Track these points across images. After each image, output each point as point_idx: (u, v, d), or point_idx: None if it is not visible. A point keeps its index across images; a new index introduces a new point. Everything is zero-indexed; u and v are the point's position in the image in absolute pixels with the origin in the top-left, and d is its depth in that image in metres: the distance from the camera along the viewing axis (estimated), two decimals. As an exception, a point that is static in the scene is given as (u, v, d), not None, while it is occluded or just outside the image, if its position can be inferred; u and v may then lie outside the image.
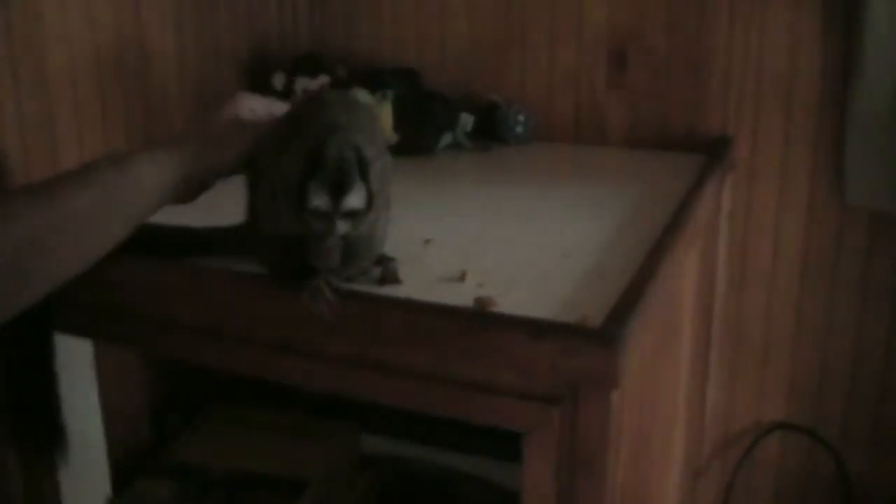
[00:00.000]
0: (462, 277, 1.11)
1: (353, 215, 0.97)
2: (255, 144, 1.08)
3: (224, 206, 1.13)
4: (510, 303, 1.03)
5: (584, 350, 0.91)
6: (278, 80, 1.75)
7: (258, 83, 1.80)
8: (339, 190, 0.96)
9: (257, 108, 1.10)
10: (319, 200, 0.96)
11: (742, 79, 1.65)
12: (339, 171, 0.96)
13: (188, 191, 1.07)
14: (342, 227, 0.97)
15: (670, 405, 1.43)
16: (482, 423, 1.00)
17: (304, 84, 1.71)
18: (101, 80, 1.49)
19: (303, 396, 1.10)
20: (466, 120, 1.75)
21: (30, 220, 0.94)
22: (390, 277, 1.11)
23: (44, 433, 1.18)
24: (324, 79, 1.74)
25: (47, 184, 0.98)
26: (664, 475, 1.47)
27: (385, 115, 1.68)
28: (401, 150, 1.69)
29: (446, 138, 1.74)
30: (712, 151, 1.62)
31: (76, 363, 1.37)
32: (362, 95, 1.66)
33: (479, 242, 1.25)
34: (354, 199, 0.97)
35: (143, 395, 1.68)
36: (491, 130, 1.78)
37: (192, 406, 1.76)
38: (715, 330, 1.74)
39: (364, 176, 0.97)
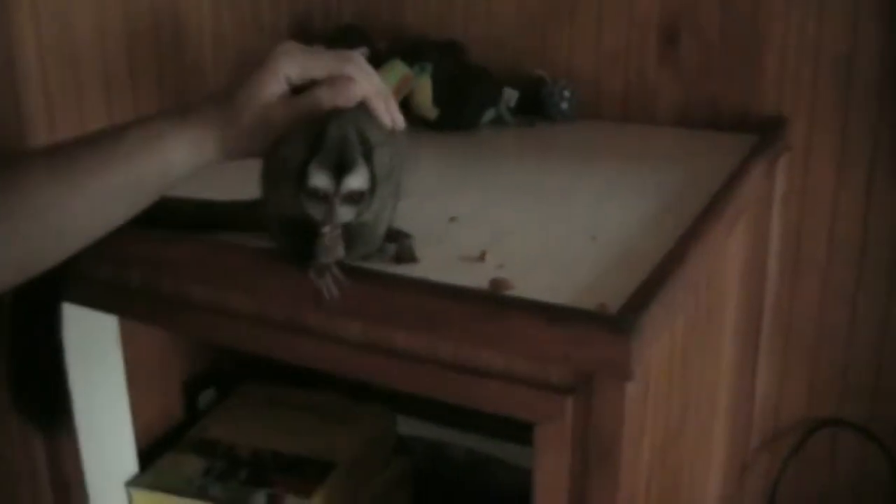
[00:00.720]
0: (481, 257, 1.06)
1: (354, 200, 0.93)
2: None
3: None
4: (528, 286, 0.98)
5: (597, 338, 0.86)
6: (318, 53, 1.70)
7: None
8: (340, 170, 0.92)
9: (293, 73, 1.00)
10: (320, 180, 0.92)
11: (798, 57, 1.56)
12: (341, 151, 0.92)
13: (214, 164, 1.02)
14: (343, 213, 0.93)
15: (709, 397, 1.36)
16: (493, 411, 0.95)
17: (342, 56, 1.67)
18: (131, 50, 1.46)
19: (341, 377, 1.07)
20: (510, 95, 1.69)
21: (51, 194, 0.93)
22: (406, 255, 1.06)
23: (46, 402, 1.15)
24: (363, 51, 1.70)
25: (75, 150, 0.96)
26: (702, 469, 1.41)
27: (423, 88, 1.63)
28: (441, 125, 1.66)
29: (489, 114, 1.68)
30: (765, 132, 1.54)
31: (101, 336, 1.35)
32: (399, 68, 1.62)
33: (507, 222, 1.20)
34: (356, 180, 0.93)
35: (175, 369, 1.67)
36: (536, 107, 1.72)
37: (228, 382, 1.74)
38: (765, 320, 1.67)
39: (367, 157, 0.93)
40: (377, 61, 1.70)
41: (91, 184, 0.94)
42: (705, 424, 1.38)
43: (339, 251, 0.95)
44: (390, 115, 1.03)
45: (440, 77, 1.65)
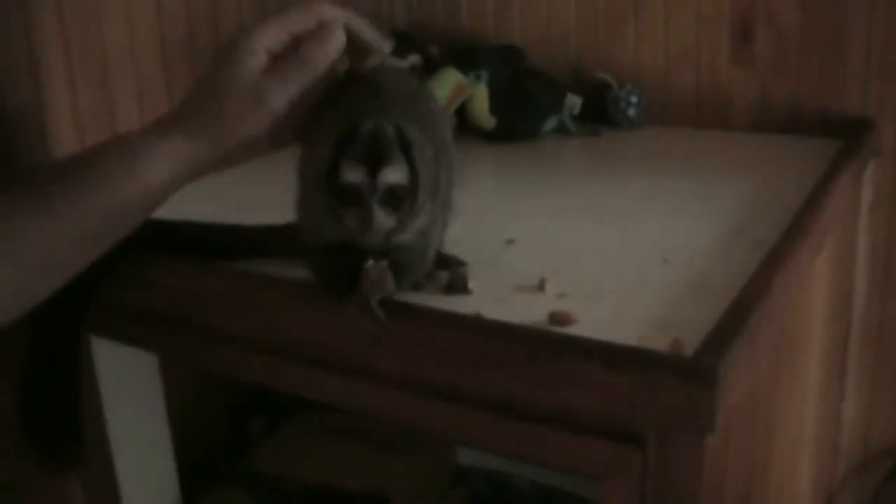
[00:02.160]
0: (541, 286, 0.96)
1: (394, 200, 0.83)
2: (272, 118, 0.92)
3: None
4: (592, 319, 0.88)
5: (670, 385, 0.75)
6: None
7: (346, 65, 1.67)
8: (374, 162, 0.82)
9: (270, 41, 0.90)
10: (352, 174, 0.82)
11: (886, 51, 1.44)
12: (375, 143, 0.83)
13: (207, 172, 0.94)
14: (383, 219, 0.83)
15: (794, 430, 1.25)
16: (550, 462, 0.85)
17: (394, 65, 1.58)
18: (166, 64, 1.39)
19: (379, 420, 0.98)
20: (573, 102, 1.59)
21: (25, 227, 0.85)
22: (458, 285, 0.97)
23: (59, 440, 1.08)
24: (414, 58, 1.61)
25: (39, 177, 0.89)
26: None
27: (479, 97, 1.54)
28: (499, 135, 1.57)
29: (550, 122, 1.59)
30: (850, 136, 1.42)
31: (139, 364, 1.28)
32: (452, 76, 1.52)
33: (570, 244, 1.10)
34: (393, 173, 0.83)
35: (224, 397, 1.60)
36: (601, 113, 1.62)
37: (280, 410, 1.67)
38: (853, 341, 1.54)
39: (406, 152, 0.84)
40: (430, 69, 1.61)
41: (68, 212, 0.86)
42: (791, 459, 1.26)
43: (389, 284, 0.86)
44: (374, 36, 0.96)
45: (497, 84, 1.56)
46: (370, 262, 0.86)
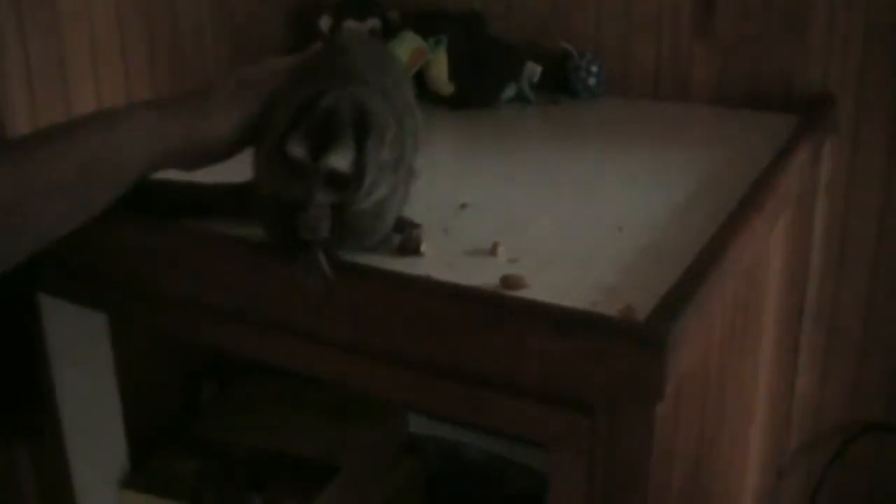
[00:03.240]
0: (493, 251, 0.95)
1: (337, 183, 0.82)
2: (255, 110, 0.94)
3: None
4: (544, 284, 0.87)
5: (621, 351, 0.74)
6: (324, 23, 1.60)
7: (304, 26, 1.65)
8: (321, 142, 0.81)
9: (264, 67, 0.98)
10: (296, 149, 0.81)
11: (847, 27, 1.43)
12: (328, 123, 0.81)
13: (185, 160, 0.95)
14: (323, 194, 0.82)
15: (746, 402, 1.25)
16: (499, 427, 0.84)
17: (351, 27, 1.57)
18: (120, 17, 1.35)
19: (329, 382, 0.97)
20: (533, 70, 1.57)
21: (4, 184, 0.84)
22: (410, 247, 0.95)
23: (15, 401, 1.06)
24: (373, 22, 1.59)
25: (28, 143, 0.89)
26: (737, 476, 1.30)
27: (438, 62, 1.52)
28: (457, 102, 1.55)
29: (509, 90, 1.57)
30: (810, 111, 1.41)
31: (88, 327, 1.26)
32: (411, 40, 1.50)
33: (524, 210, 1.08)
34: (337, 159, 0.81)
35: (176, 361, 1.57)
36: (561, 82, 1.60)
37: (231, 376, 1.65)
38: (807, 318, 1.54)
39: (360, 139, 0.82)
40: (389, 33, 1.59)
41: (44, 178, 0.86)
42: (742, 431, 1.26)
43: (323, 230, 0.83)
44: None
45: (457, 50, 1.54)
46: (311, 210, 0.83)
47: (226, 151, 0.95)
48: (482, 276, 0.88)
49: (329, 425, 1.51)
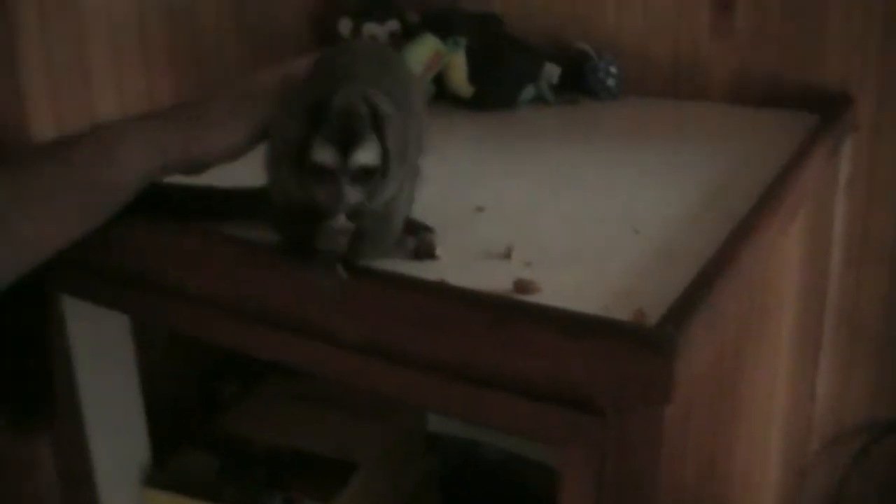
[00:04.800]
0: (508, 254, 0.95)
1: (364, 178, 0.83)
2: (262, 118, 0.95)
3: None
4: (557, 287, 0.87)
5: (628, 354, 0.74)
6: (344, 26, 1.61)
7: (324, 29, 1.66)
8: (346, 143, 0.82)
9: (269, 74, 0.98)
10: (324, 155, 0.82)
11: (866, 25, 1.42)
12: (347, 122, 0.82)
13: (184, 170, 0.97)
14: (352, 194, 0.83)
15: (763, 404, 1.25)
16: (510, 430, 0.85)
17: (371, 30, 1.57)
18: (142, 23, 1.36)
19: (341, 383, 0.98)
20: (551, 71, 1.57)
21: (14, 215, 0.87)
22: (425, 251, 0.96)
23: (26, 400, 1.08)
24: (393, 24, 1.60)
25: (26, 157, 0.91)
26: (757, 477, 1.30)
27: (457, 64, 1.52)
28: (476, 103, 1.55)
29: (528, 91, 1.57)
30: (829, 110, 1.41)
31: (110, 326, 1.27)
32: (430, 42, 1.51)
33: (541, 213, 1.09)
34: (365, 154, 0.82)
35: (195, 359, 1.59)
36: (579, 83, 1.60)
37: (251, 374, 1.66)
38: (827, 316, 1.54)
39: (378, 130, 0.83)
40: (408, 35, 1.59)
41: (46, 194, 0.88)
42: (760, 432, 1.26)
43: (342, 241, 0.85)
44: None
45: (475, 52, 1.54)
46: (331, 222, 0.85)
47: (228, 160, 0.96)
48: (496, 279, 0.88)
49: (348, 423, 1.52)
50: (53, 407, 1.11)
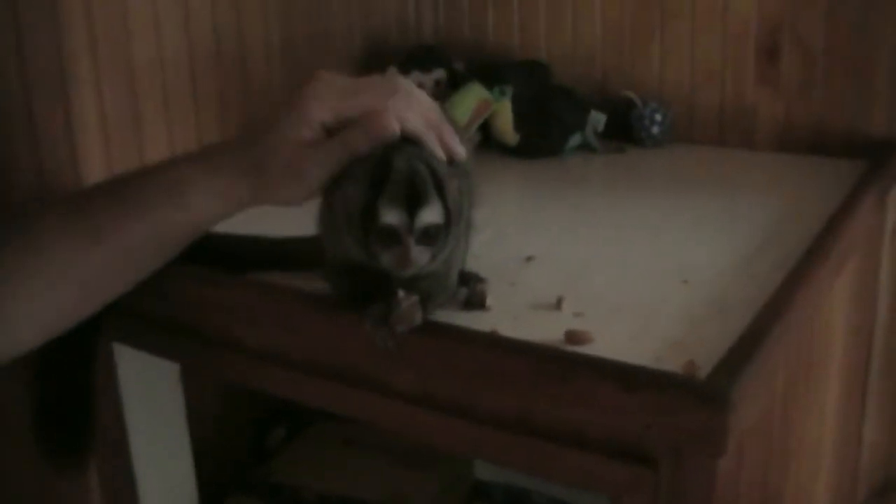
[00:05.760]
0: (558, 304, 0.96)
1: (430, 238, 0.84)
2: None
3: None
4: (608, 338, 0.88)
5: (683, 407, 0.75)
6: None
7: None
8: (412, 204, 0.83)
9: (326, 118, 0.91)
10: (392, 217, 0.83)
11: (912, 72, 1.42)
12: (411, 183, 0.84)
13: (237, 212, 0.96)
14: (419, 255, 0.84)
15: (811, 452, 1.24)
16: (563, 482, 0.85)
17: (417, 78, 1.59)
18: (194, 74, 1.39)
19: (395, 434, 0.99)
20: (597, 119, 1.58)
21: (70, 251, 0.89)
22: (476, 301, 0.97)
23: (67, 441, 1.09)
24: (439, 73, 1.62)
25: (91, 205, 0.92)
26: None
27: (503, 112, 1.54)
28: (523, 151, 1.56)
29: (574, 139, 1.58)
30: (875, 157, 1.40)
31: (160, 373, 1.28)
32: (477, 91, 1.52)
33: (589, 262, 1.10)
34: (430, 214, 0.84)
35: (244, 407, 1.60)
36: (625, 131, 1.61)
37: (300, 421, 1.67)
38: (874, 365, 1.52)
39: (439, 189, 0.84)
40: (455, 84, 1.61)
41: (113, 238, 0.89)
42: (808, 482, 1.25)
43: (418, 317, 0.87)
44: (447, 147, 0.91)
45: (522, 100, 1.55)
46: (401, 294, 0.86)
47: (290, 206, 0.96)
48: (547, 330, 0.89)
49: (397, 470, 1.53)
50: (90, 447, 1.12)
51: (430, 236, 0.84)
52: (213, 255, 1.05)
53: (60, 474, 1.14)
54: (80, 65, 1.25)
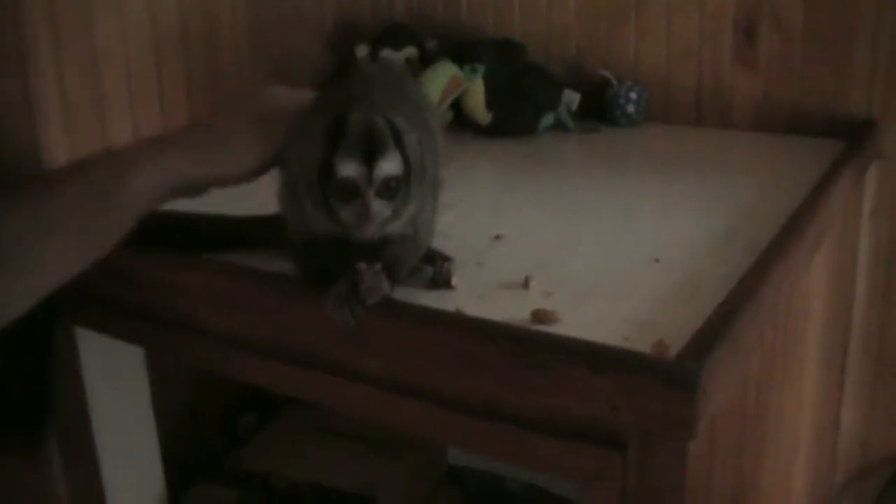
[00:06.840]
0: (526, 284, 0.94)
1: (388, 192, 0.82)
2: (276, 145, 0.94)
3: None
4: (576, 318, 0.86)
5: (651, 389, 0.72)
6: (361, 52, 1.61)
7: (342, 55, 1.65)
8: (369, 155, 0.81)
9: (282, 99, 0.95)
10: (348, 168, 0.81)
11: (891, 55, 1.40)
12: (368, 136, 0.82)
13: (189, 193, 0.94)
14: (379, 209, 0.82)
15: (788, 436, 1.22)
16: (530, 466, 0.83)
17: (388, 56, 1.56)
18: (157, 51, 1.36)
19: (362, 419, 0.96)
20: (571, 98, 1.56)
21: (14, 220, 0.86)
22: (442, 281, 0.94)
23: (24, 425, 1.06)
24: (410, 51, 1.59)
25: (41, 182, 0.91)
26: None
27: (475, 91, 1.51)
28: (495, 130, 1.54)
29: (548, 118, 1.55)
30: (853, 137, 1.38)
31: (124, 358, 1.26)
32: (447, 69, 1.49)
33: (560, 242, 1.07)
34: (389, 165, 0.82)
35: (214, 393, 1.57)
36: (600, 110, 1.58)
37: (270, 408, 1.64)
38: (852, 347, 1.51)
39: (398, 142, 0.83)
40: (426, 62, 1.58)
41: (61, 222, 0.87)
42: (784, 465, 1.23)
43: (385, 287, 0.85)
44: None
45: (494, 78, 1.52)
46: (363, 266, 0.84)
47: (241, 183, 0.95)
48: (513, 310, 0.87)
49: (368, 457, 1.50)
50: (44, 431, 1.09)
51: (390, 189, 0.83)
52: (172, 233, 1.02)
53: (15, 457, 1.11)
54: (41, 47, 1.21)
